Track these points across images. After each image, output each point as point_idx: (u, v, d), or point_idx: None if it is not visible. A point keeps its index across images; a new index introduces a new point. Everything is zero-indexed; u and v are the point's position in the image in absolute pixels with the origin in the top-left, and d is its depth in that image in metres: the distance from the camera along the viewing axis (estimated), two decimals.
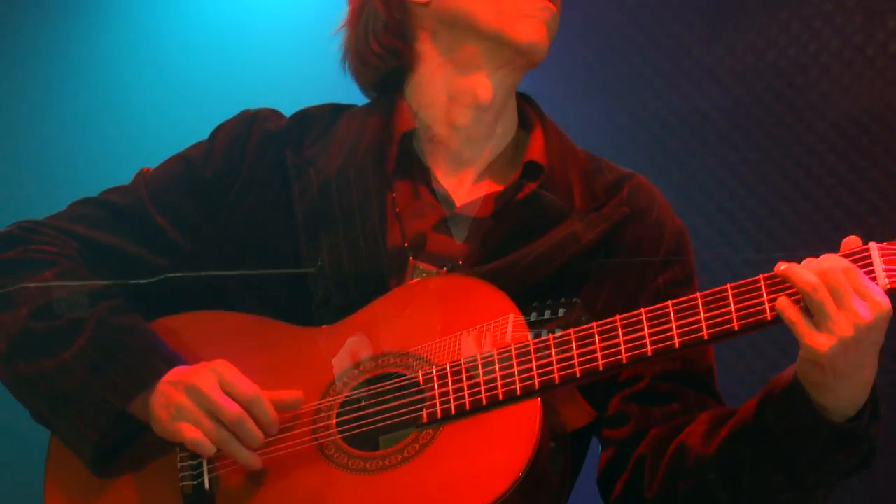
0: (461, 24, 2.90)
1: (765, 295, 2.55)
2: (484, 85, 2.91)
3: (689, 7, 4.46)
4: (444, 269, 2.85)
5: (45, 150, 5.00)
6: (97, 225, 2.96)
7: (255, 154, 2.95)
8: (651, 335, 2.60)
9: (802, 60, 4.30)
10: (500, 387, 2.63)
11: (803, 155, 4.31)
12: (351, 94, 3.08)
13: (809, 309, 2.50)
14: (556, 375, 2.62)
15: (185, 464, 2.74)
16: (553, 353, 2.63)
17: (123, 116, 5.01)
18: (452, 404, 2.64)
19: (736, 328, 2.55)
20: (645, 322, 2.60)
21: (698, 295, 2.59)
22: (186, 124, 3.42)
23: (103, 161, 4.87)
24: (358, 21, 2.99)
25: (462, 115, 2.93)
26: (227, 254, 2.92)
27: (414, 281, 2.83)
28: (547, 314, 2.72)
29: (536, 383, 2.62)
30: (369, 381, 2.73)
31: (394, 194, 2.90)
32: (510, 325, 2.68)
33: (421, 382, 2.68)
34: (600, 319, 2.64)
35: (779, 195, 4.34)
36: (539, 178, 2.88)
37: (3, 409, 3.25)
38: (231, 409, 2.69)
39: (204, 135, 3.04)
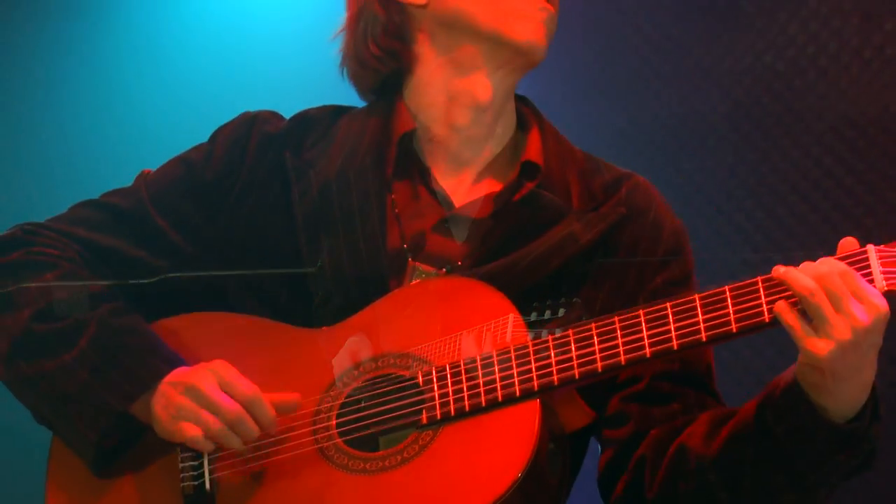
0: (459, 25, 2.91)
1: (763, 297, 2.55)
2: (483, 85, 2.92)
3: (688, 9, 4.46)
4: (444, 269, 2.85)
5: (45, 153, 5.00)
6: (98, 227, 2.97)
7: (256, 156, 2.95)
8: (650, 337, 2.60)
9: (800, 63, 4.30)
10: (499, 388, 2.64)
11: (801, 156, 4.31)
12: (351, 96, 3.09)
13: (807, 313, 2.51)
14: (556, 377, 2.63)
15: (186, 464, 2.75)
16: (552, 354, 2.64)
17: (124, 119, 5.01)
18: (452, 406, 2.65)
19: (734, 330, 2.56)
20: (643, 324, 2.61)
21: (696, 297, 2.60)
22: (187, 126, 3.43)
23: (104, 163, 4.87)
24: (356, 25, 2.99)
25: (461, 115, 2.93)
26: (227, 256, 2.92)
27: (414, 282, 2.84)
28: (547, 314, 2.73)
29: (535, 385, 2.63)
30: (369, 382, 2.73)
31: (393, 195, 2.90)
32: (510, 325, 2.69)
33: (420, 384, 2.69)
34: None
35: (776, 196, 4.34)
36: (536, 177, 2.88)
37: (4, 409, 3.26)
38: (230, 406, 2.70)
39: (204, 137, 3.04)
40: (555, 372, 2.63)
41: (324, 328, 2.82)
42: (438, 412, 2.66)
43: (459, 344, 2.70)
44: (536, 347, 2.65)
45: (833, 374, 2.52)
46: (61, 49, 5.05)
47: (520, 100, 3.03)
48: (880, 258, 2.53)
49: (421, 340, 2.72)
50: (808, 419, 2.57)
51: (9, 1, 5.04)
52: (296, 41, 4.86)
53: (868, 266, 2.52)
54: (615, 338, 2.62)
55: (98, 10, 5.07)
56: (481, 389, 2.65)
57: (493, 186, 2.92)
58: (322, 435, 2.71)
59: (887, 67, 4.20)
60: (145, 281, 2.91)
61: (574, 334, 2.65)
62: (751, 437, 2.64)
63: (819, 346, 2.50)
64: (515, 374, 2.64)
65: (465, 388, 2.66)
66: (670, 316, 2.60)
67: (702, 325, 2.58)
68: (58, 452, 2.87)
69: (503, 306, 2.71)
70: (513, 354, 2.66)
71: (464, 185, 2.93)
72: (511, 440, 2.60)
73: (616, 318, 2.63)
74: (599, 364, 2.62)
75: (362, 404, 2.72)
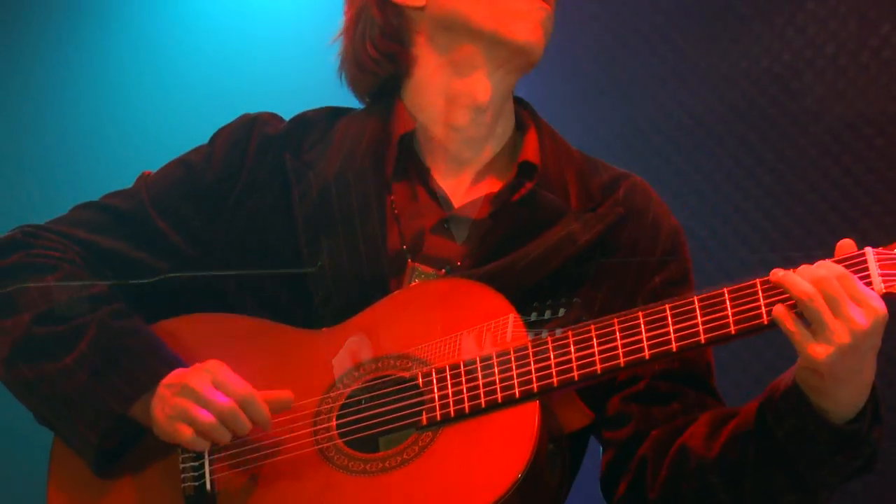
0: (457, 26, 2.91)
1: (761, 299, 2.56)
2: (483, 85, 2.92)
3: (686, 12, 4.46)
4: (443, 270, 2.86)
5: (46, 155, 4.99)
6: (98, 229, 2.97)
7: (255, 158, 2.96)
8: (648, 338, 2.61)
9: (797, 65, 4.30)
10: (499, 390, 2.65)
11: (798, 158, 4.31)
12: (350, 98, 3.09)
13: (806, 317, 2.52)
14: (555, 379, 2.63)
15: (187, 465, 2.75)
16: (551, 356, 2.65)
17: (125, 120, 5.01)
18: (452, 407, 2.66)
19: (733, 332, 2.57)
20: (642, 325, 2.62)
21: (695, 298, 2.60)
22: (187, 128, 3.42)
23: (105, 165, 4.86)
24: (355, 29, 3.00)
25: (460, 116, 2.94)
26: (227, 257, 2.92)
27: (413, 283, 2.84)
28: (547, 314, 2.74)
29: (535, 387, 2.63)
30: (369, 383, 2.74)
31: (392, 196, 2.91)
32: (510, 326, 2.70)
33: (420, 385, 2.69)
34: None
35: (774, 198, 4.34)
36: (534, 177, 2.89)
37: (4, 409, 3.26)
38: (222, 402, 2.70)
39: (204, 139, 3.04)
40: (554, 374, 2.64)
41: (324, 329, 2.82)
42: (438, 413, 2.66)
43: (459, 345, 2.71)
44: (536, 349, 2.66)
45: (832, 378, 2.53)
46: (62, 50, 5.04)
47: (518, 102, 3.03)
48: (878, 260, 2.54)
49: (421, 341, 2.73)
50: (808, 421, 2.58)
51: (10, 3, 5.04)
52: (296, 43, 4.85)
53: (866, 268, 2.53)
54: (614, 340, 2.63)
55: (99, 13, 5.07)
56: (481, 391, 2.65)
57: (492, 187, 2.93)
58: (322, 436, 2.72)
59: (884, 70, 4.20)
60: (145, 281, 2.91)
61: (573, 336, 2.66)
62: (751, 438, 2.65)
63: (818, 351, 2.50)
64: (515, 376, 2.65)
65: (464, 390, 2.66)
66: (669, 318, 2.61)
67: (700, 327, 2.59)
68: (59, 453, 2.87)
69: (502, 307, 2.71)
70: (512, 356, 2.66)
71: (463, 185, 2.94)
72: (510, 441, 2.61)
73: (615, 320, 2.64)
74: (599, 366, 2.63)
75: (362, 405, 2.72)
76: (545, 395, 2.65)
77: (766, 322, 2.55)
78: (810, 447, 2.59)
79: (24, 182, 4.96)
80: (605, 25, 4.58)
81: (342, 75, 3.04)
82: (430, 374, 2.70)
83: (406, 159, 2.94)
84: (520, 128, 3.00)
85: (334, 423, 2.72)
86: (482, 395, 2.65)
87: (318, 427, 2.73)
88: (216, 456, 2.76)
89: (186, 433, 2.71)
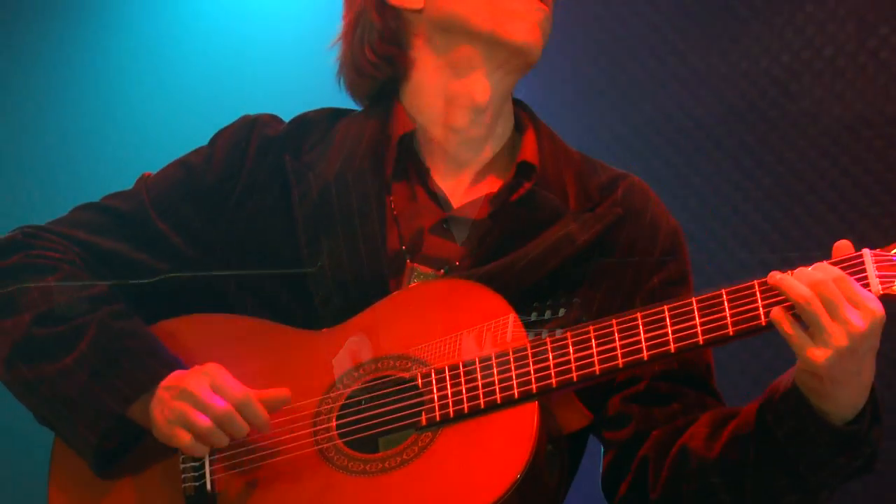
0: (455, 28, 2.92)
1: (759, 301, 2.56)
2: (482, 86, 2.93)
3: (685, 14, 4.46)
4: (441, 271, 2.86)
5: (46, 156, 4.99)
6: (99, 230, 2.97)
7: (255, 159, 2.96)
8: (647, 340, 2.62)
9: (796, 67, 4.30)
10: (497, 391, 2.65)
11: (797, 160, 4.31)
12: (350, 99, 3.10)
13: (803, 320, 2.52)
14: (554, 380, 2.64)
15: (188, 465, 2.76)
16: (550, 357, 2.65)
17: (125, 122, 5.01)
18: (451, 408, 2.66)
19: (731, 333, 2.58)
20: (641, 326, 2.63)
21: (693, 300, 2.61)
22: (187, 129, 3.43)
23: (105, 166, 4.87)
24: (353, 33, 3.00)
25: (459, 117, 2.94)
26: (228, 258, 2.93)
27: (413, 284, 2.85)
28: (547, 314, 2.75)
29: (534, 388, 2.64)
30: (369, 384, 2.74)
31: (391, 197, 2.92)
32: (510, 326, 2.70)
33: (420, 386, 2.70)
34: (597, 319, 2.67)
35: (773, 199, 4.34)
36: (532, 177, 2.89)
37: (4, 409, 3.27)
38: (218, 405, 2.71)
39: (204, 140, 3.04)
40: (553, 375, 2.64)
41: (324, 330, 2.82)
42: (437, 414, 2.67)
43: (458, 346, 2.71)
44: (534, 350, 2.66)
45: (831, 380, 2.53)
46: (62, 51, 5.04)
47: (516, 103, 3.03)
48: (876, 262, 2.54)
49: (420, 342, 2.73)
50: (808, 423, 2.58)
51: (10, 3, 5.04)
52: (295, 45, 4.85)
53: (864, 270, 2.53)
54: (613, 341, 2.64)
55: (99, 13, 5.07)
56: (480, 392, 2.66)
57: (491, 187, 2.93)
58: (322, 436, 2.72)
59: (882, 71, 4.21)
60: (145, 281, 2.91)
61: (572, 337, 2.66)
62: (752, 439, 2.65)
63: (816, 354, 2.51)
64: (514, 377, 2.65)
65: (463, 391, 2.67)
66: (667, 319, 2.62)
67: (699, 329, 2.59)
68: (60, 453, 2.88)
69: (501, 308, 2.72)
70: (511, 357, 2.67)
71: (462, 186, 2.94)
72: (509, 442, 2.61)
73: (614, 321, 2.65)
74: (597, 367, 2.63)
75: (362, 406, 2.73)
76: (544, 395, 2.65)
77: (763, 323, 2.56)
78: (811, 448, 2.59)
79: (24, 183, 4.96)
80: (604, 27, 4.58)
81: (340, 80, 3.05)
82: (429, 375, 2.70)
83: (405, 160, 2.94)
84: (518, 129, 3.00)
85: (334, 423, 2.73)
86: (481, 396, 2.66)
87: (318, 427, 2.73)
88: (216, 456, 2.76)
89: (185, 438, 2.72)
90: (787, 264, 2.58)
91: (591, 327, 2.66)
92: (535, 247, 2.83)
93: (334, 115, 3.04)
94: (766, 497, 2.68)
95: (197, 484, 2.75)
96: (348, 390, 2.75)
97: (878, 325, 2.50)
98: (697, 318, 2.60)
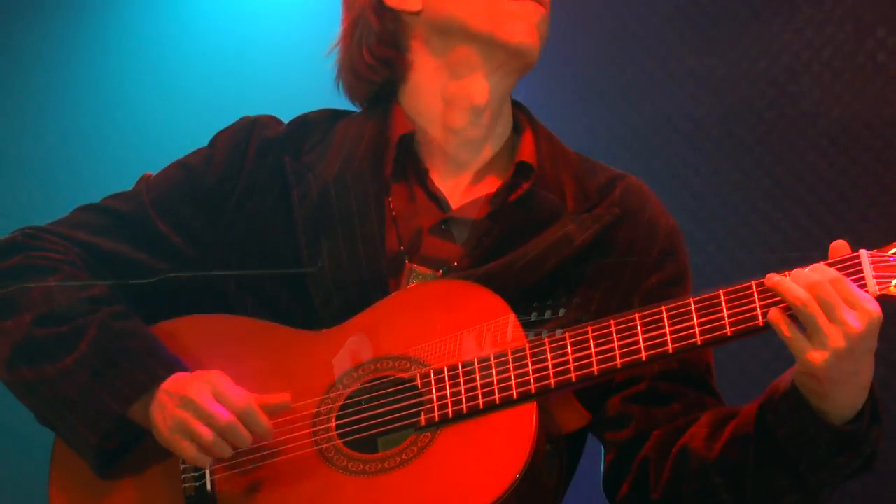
0: (453, 30, 2.92)
1: (757, 301, 2.57)
2: (480, 86, 2.93)
3: (684, 15, 4.46)
4: (440, 271, 2.87)
5: (47, 157, 4.99)
6: (99, 231, 2.98)
7: (255, 160, 2.96)
8: (645, 340, 2.62)
9: (794, 68, 4.30)
10: (496, 391, 2.66)
11: (795, 161, 4.31)
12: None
13: (801, 322, 2.53)
14: (553, 381, 2.65)
15: (188, 465, 2.76)
16: (549, 358, 2.66)
17: (125, 122, 5.01)
18: (450, 408, 2.67)
19: (729, 334, 2.58)
20: (639, 327, 2.63)
21: (691, 300, 2.62)
22: (187, 130, 3.43)
23: (105, 167, 4.87)
24: (351, 36, 3.00)
25: (458, 118, 2.94)
26: (228, 259, 2.93)
27: (412, 284, 2.85)
28: (547, 314, 2.76)
29: (533, 388, 2.64)
30: (369, 384, 2.74)
31: (390, 198, 2.92)
32: (509, 327, 2.71)
33: (419, 386, 2.71)
34: (596, 319, 2.68)
35: (771, 200, 4.34)
36: (530, 177, 2.90)
37: (4, 409, 3.27)
38: (222, 416, 2.71)
39: (204, 141, 3.04)
40: (552, 375, 2.65)
41: (323, 330, 2.83)
42: (437, 414, 2.67)
43: (457, 346, 2.71)
44: (533, 350, 2.67)
45: (830, 381, 2.54)
46: (62, 51, 5.04)
47: (515, 105, 3.03)
48: (873, 263, 2.54)
49: (419, 342, 2.74)
50: (808, 423, 2.58)
51: (10, 3, 5.04)
52: (295, 45, 4.86)
53: (861, 271, 2.53)
54: (611, 341, 2.64)
55: (99, 14, 5.07)
56: (479, 392, 2.67)
57: (490, 188, 2.93)
58: (322, 437, 2.72)
59: (880, 73, 4.21)
60: (145, 281, 2.92)
61: (570, 337, 2.67)
62: (752, 439, 2.66)
63: (814, 357, 2.51)
64: (512, 378, 2.66)
65: (462, 391, 2.67)
66: (665, 319, 2.62)
67: (696, 329, 2.60)
68: (61, 453, 2.88)
69: (500, 308, 2.72)
70: (510, 357, 2.68)
71: (461, 186, 2.95)
72: (508, 442, 2.62)
73: (612, 322, 2.65)
74: (595, 367, 2.64)
75: (361, 406, 2.73)
76: (543, 396, 2.66)
77: (761, 324, 2.56)
78: (811, 448, 2.60)
79: (24, 183, 4.96)
80: (604, 27, 4.59)
81: (339, 84, 3.05)
82: (428, 376, 2.71)
83: (404, 161, 2.94)
84: (517, 130, 3.01)
85: (334, 423, 2.73)
86: (480, 397, 2.66)
87: (318, 428, 2.73)
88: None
89: (189, 450, 2.72)
90: (786, 265, 2.58)
91: (589, 328, 2.66)
92: (534, 247, 2.84)
93: (334, 116, 3.04)
94: (767, 497, 2.69)
95: (197, 484, 2.75)
96: (348, 391, 2.75)
97: (875, 326, 2.51)
98: (695, 319, 2.60)
